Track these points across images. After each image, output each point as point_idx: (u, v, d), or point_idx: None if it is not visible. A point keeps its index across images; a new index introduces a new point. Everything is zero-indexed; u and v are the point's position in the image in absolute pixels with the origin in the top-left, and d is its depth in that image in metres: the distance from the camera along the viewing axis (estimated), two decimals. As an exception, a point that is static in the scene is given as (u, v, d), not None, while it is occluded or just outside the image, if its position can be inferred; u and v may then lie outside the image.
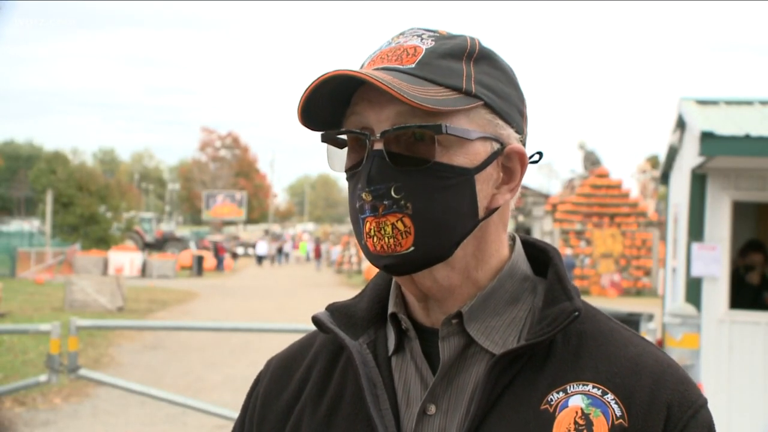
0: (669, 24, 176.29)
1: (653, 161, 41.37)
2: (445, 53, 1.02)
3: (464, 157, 1.00)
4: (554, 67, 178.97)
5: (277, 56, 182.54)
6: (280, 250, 49.42)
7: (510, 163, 1.05)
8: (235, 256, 48.18)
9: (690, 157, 7.52)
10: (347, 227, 55.84)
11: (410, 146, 0.99)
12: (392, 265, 1.00)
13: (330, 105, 1.02)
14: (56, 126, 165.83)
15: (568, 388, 0.99)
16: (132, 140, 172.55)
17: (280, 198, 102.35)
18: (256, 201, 75.71)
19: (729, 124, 6.76)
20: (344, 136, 1.05)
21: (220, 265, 38.98)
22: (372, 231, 0.99)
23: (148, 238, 44.93)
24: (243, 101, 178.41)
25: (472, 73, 1.02)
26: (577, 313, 1.01)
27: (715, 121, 6.83)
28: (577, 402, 0.98)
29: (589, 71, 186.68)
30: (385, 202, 0.98)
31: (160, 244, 44.80)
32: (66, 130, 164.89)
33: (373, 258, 1.01)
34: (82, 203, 35.61)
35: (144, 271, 31.61)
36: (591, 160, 34.26)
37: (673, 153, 10.17)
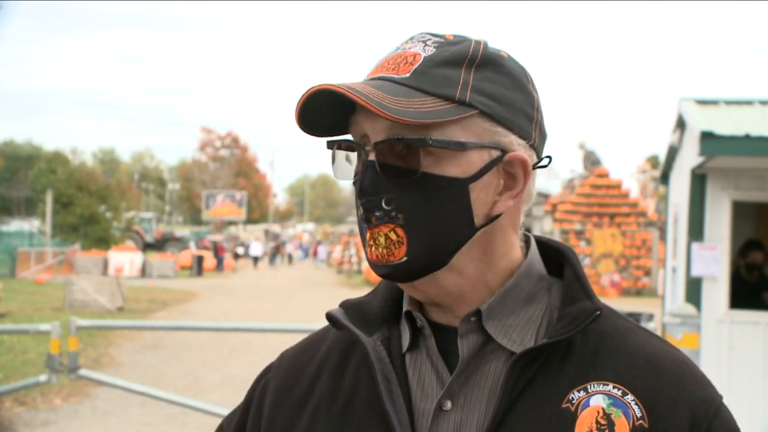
0: (668, 24, 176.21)
1: (653, 161, 41.33)
2: (444, 61, 1.01)
3: (457, 167, 1.00)
4: (554, 67, 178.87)
5: (276, 56, 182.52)
6: (276, 252, 49.06)
7: (513, 170, 1.04)
8: (237, 256, 48.03)
9: (690, 157, 7.52)
10: (347, 227, 55.71)
11: (401, 157, 1.00)
12: (388, 274, 1.03)
13: (331, 113, 1.03)
14: (56, 126, 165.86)
15: (588, 387, 0.99)
16: (132, 140, 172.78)
17: (279, 198, 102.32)
18: (256, 201, 75.61)
19: (729, 124, 6.76)
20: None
21: (220, 265, 38.95)
22: (370, 240, 1.02)
23: (148, 238, 44.91)
24: (242, 101, 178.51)
25: (470, 81, 1.01)
26: (598, 313, 1.02)
27: (715, 121, 6.83)
28: (598, 402, 0.98)
29: (588, 71, 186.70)
30: (377, 213, 1.00)
31: (160, 244, 44.76)
32: (66, 130, 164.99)
33: (372, 266, 1.04)
34: (82, 203, 35.58)
35: (144, 271, 31.59)
36: (591, 160, 34.23)
37: (673, 153, 10.17)
